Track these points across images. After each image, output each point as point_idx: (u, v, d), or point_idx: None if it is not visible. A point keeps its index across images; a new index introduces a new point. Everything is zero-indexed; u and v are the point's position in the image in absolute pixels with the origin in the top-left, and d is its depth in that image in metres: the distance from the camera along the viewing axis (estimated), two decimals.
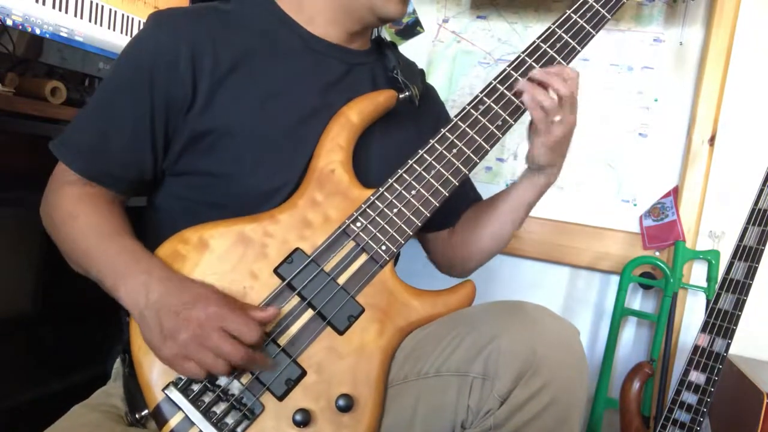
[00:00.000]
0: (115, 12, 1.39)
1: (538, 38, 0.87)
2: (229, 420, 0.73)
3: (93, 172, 0.83)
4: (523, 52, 0.87)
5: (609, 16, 0.89)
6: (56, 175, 0.85)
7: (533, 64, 0.86)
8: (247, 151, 0.83)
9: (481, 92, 0.86)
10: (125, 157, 0.83)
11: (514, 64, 0.87)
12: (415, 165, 0.83)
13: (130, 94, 0.82)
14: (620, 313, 1.61)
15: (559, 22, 0.88)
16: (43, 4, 1.21)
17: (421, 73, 1.02)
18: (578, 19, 0.88)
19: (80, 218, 0.80)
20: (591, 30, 0.88)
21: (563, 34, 0.87)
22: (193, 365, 0.70)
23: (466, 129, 0.85)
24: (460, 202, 1.03)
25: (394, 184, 0.83)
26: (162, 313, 0.71)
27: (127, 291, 0.74)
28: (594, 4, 0.88)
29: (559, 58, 0.87)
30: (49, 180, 0.85)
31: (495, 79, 0.86)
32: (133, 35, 0.92)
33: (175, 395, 0.73)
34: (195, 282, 0.75)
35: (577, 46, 0.87)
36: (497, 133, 0.85)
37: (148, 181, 0.87)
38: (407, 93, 0.93)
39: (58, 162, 0.85)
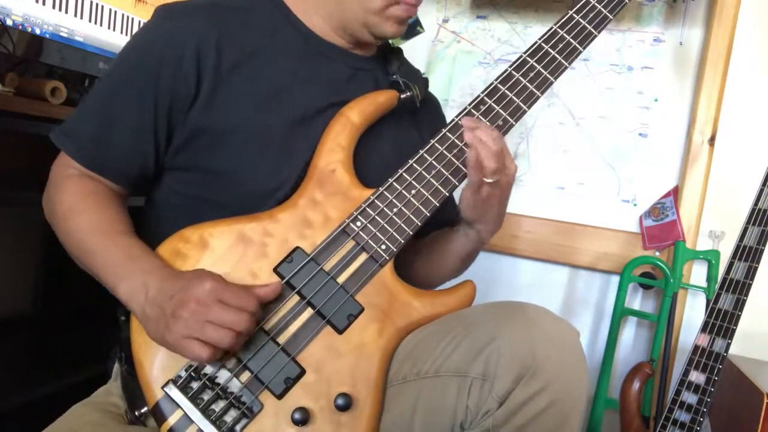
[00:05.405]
0: (115, 12, 1.39)
1: (539, 39, 0.87)
2: (228, 418, 0.73)
3: (95, 163, 0.83)
4: (524, 53, 0.87)
5: (611, 17, 0.88)
6: (57, 167, 0.84)
7: (534, 64, 0.86)
8: (248, 150, 0.83)
9: (483, 92, 0.86)
10: (128, 150, 0.83)
11: (516, 64, 0.87)
12: (415, 165, 0.83)
13: (135, 87, 0.82)
14: (620, 313, 1.61)
15: (561, 22, 0.88)
16: (43, 4, 1.21)
17: (425, 80, 1.01)
18: (580, 19, 0.88)
19: (82, 215, 0.79)
20: (593, 30, 0.88)
21: (565, 35, 0.87)
22: (198, 345, 0.68)
23: None
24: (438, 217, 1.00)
25: (394, 184, 0.83)
26: (162, 302, 0.71)
27: (127, 291, 0.74)
28: (596, 4, 0.88)
29: (560, 58, 0.87)
30: (50, 172, 0.85)
31: (496, 80, 0.86)
32: (139, 28, 0.91)
33: (175, 393, 0.73)
34: (190, 271, 0.75)
35: (578, 46, 0.87)
36: None
37: (149, 177, 0.87)
38: (408, 93, 0.92)
39: (58, 155, 0.84)
